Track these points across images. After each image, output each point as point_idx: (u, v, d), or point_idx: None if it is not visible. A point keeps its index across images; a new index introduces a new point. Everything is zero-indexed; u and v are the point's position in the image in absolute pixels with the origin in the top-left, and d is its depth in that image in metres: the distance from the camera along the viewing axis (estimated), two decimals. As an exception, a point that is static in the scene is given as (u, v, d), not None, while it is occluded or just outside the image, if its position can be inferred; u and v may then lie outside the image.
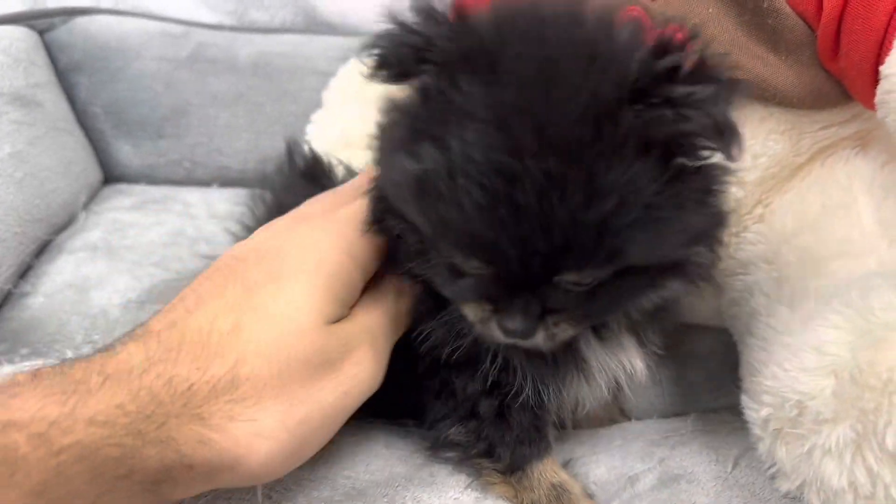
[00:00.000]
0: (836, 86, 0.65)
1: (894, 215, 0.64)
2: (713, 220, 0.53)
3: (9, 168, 0.97)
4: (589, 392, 0.63)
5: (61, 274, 0.96)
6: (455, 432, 0.65)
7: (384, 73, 0.49)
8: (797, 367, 0.56)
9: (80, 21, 1.19)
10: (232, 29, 1.24)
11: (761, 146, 0.68)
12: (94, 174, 1.18)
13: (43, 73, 1.14)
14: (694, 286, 0.57)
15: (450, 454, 0.67)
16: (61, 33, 1.19)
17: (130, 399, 0.45)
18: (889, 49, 0.56)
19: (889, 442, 0.49)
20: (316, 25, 1.30)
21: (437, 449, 0.68)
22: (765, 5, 0.63)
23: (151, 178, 1.23)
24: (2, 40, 1.09)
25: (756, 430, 0.62)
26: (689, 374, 0.87)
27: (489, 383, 0.60)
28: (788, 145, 0.69)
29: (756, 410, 0.61)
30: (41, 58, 1.15)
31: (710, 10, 0.64)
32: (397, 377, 0.60)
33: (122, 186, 1.21)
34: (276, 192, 0.88)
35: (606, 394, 0.65)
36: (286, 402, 0.50)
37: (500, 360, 0.58)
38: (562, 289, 0.49)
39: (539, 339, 0.51)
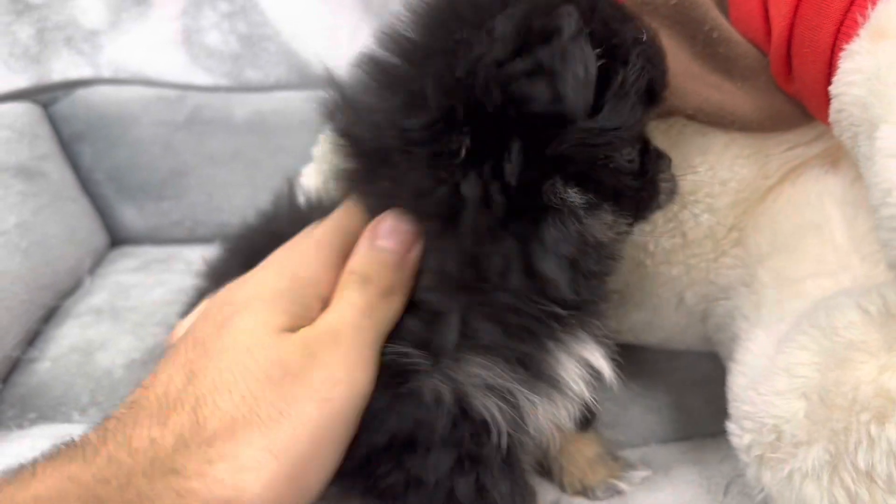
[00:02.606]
0: (796, 107, 0.66)
1: (866, 231, 0.64)
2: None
3: (15, 238, 1.01)
4: (561, 403, 0.60)
5: (67, 338, 0.98)
6: None
7: None
8: (771, 390, 0.56)
9: (82, 93, 1.24)
10: (227, 89, 1.27)
11: (728, 171, 0.69)
12: (99, 239, 1.22)
13: (47, 144, 1.19)
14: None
15: None
16: (64, 105, 1.24)
17: (83, 469, 0.44)
18: (836, 70, 0.57)
19: (861, 461, 0.49)
20: (309, 81, 1.32)
21: None
22: (715, 35, 0.64)
23: (156, 239, 1.27)
24: (7, 116, 1.14)
25: (742, 456, 0.61)
26: (688, 399, 0.87)
27: (459, 456, 0.56)
28: (755, 168, 0.69)
29: (740, 437, 0.60)
30: (45, 130, 1.20)
31: (664, 43, 0.65)
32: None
33: (128, 249, 1.25)
34: (282, 226, 0.87)
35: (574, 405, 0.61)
36: (262, 427, 0.47)
37: (453, 405, 0.54)
38: None
39: None
